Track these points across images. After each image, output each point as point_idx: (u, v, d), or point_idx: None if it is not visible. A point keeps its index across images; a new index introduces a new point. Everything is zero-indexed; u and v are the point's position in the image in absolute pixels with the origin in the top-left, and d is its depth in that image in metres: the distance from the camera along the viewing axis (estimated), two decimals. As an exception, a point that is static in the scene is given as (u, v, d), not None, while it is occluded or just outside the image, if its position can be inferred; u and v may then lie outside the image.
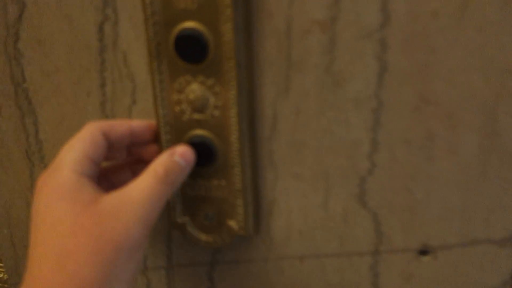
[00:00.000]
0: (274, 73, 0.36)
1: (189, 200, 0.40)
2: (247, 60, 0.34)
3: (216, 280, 0.45)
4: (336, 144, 0.37)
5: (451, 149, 0.35)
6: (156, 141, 0.38)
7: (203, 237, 0.41)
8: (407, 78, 0.33)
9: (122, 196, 0.31)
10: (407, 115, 0.35)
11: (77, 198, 0.31)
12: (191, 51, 0.34)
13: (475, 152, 0.35)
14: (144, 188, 0.32)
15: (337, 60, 0.34)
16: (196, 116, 0.36)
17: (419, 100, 0.34)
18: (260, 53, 0.35)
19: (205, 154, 0.37)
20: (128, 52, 0.38)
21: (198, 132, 0.37)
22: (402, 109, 0.34)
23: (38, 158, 0.44)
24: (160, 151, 0.38)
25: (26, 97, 0.42)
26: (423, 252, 0.39)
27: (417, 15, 0.32)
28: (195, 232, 0.41)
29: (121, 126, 0.36)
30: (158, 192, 0.32)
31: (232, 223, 0.39)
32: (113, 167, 0.38)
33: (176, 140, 0.37)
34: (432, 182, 0.36)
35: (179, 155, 0.35)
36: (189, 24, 0.33)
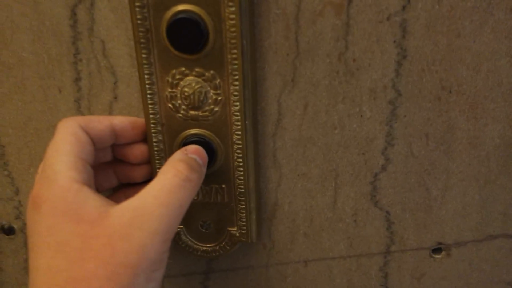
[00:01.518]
0: (279, 63, 0.32)
1: (184, 207, 0.35)
2: (251, 48, 0.30)
3: (210, 290, 0.41)
4: (348, 139, 0.34)
5: (472, 142, 0.32)
6: (144, 141, 0.33)
7: (200, 246, 0.36)
8: (428, 65, 0.30)
9: (135, 208, 0.26)
10: (426, 106, 0.32)
11: (82, 214, 0.26)
12: (187, 39, 0.29)
13: (497, 145, 0.32)
14: (161, 194, 0.26)
15: (351, 47, 0.31)
16: (193, 113, 0.32)
17: (440, 89, 0.31)
18: (265, 40, 0.31)
19: (203, 156, 0.32)
20: (107, 40, 0.33)
21: (195, 131, 0.32)
22: (422, 100, 0.32)
23: (0, 164, 0.38)
24: (149, 152, 0.33)
25: (-19, 95, 0.36)
26: (436, 250, 0.37)
27: (442, -5, 0.29)
28: (191, 241, 0.36)
29: (100, 122, 0.31)
30: (180, 196, 0.27)
31: (233, 230, 0.35)
32: (95, 170, 0.33)
33: (168, 141, 0.33)
34: (450, 178, 0.34)
35: (192, 152, 0.30)
36: (185, 6, 0.28)
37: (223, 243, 0.36)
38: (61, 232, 0.25)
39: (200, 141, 0.32)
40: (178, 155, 0.29)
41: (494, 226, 0.35)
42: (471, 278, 0.37)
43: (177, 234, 0.36)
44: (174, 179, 0.27)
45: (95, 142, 0.30)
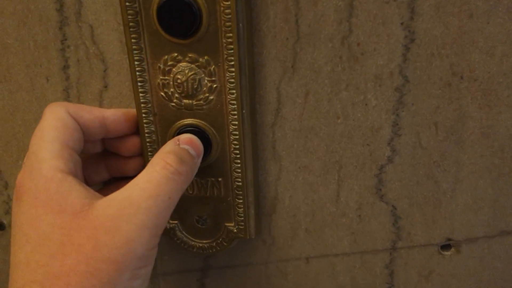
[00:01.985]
0: (279, 48, 0.30)
1: (179, 202, 0.33)
2: (248, 32, 0.28)
3: (208, 287, 0.39)
4: (351, 129, 0.32)
5: (484, 132, 0.30)
6: (136, 133, 0.32)
7: (196, 243, 0.35)
8: (438, 49, 0.28)
9: (121, 200, 0.24)
10: (436, 94, 0.30)
11: (65, 206, 0.24)
12: (179, 22, 0.27)
13: (511, 134, 0.30)
14: (147, 188, 0.25)
15: (355, 30, 0.29)
16: (186, 102, 0.30)
17: (450, 75, 0.29)
18: (262, 23, 0.29)
19: (197, 147, 0.30)
20: (95, 25, 0.31)
21: (189, 121, 0.30)
22: (431, 87, 0.30)
23: (-13, 157, 0.36)
24: (141, 144, 0.32)
25: (-33, 84, 0.34)
26: (445, 246, 0.35)
27: (454, -27, 0.27)
28: (186, 237, 0.35)
29: (91, 112, 0.29)
30: (168, 188, 0.25)
31: (231, 226, 0.34)
32: (84, 162, 0.31)
33: (161, 131, 0.31)
34: (460, 170, 0.32)
35: (185, 142, 0.28)
36: (176, -13, 0.26)
37: (220, 239, 0.34)
38: (42, 224, 0.24)
39: (194, 130, 0.30)
40: (169, 145, 0.28)
41: (507, 221, 0.33)
42: (482, 276, 0.35)
43: (172, 230, 0.34)
44: (163, 171, 0.26)
45: (84, 132, 0.29)
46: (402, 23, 0.28)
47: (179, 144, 0.28)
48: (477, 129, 0.30)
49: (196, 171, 0.29)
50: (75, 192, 0.25)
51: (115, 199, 0.25)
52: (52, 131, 0.26)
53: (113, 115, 0.30)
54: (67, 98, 0.33)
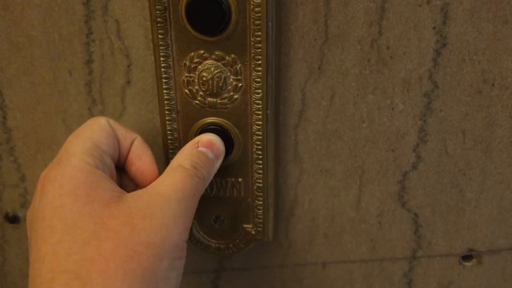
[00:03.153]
0: (306, 49, 0.29)
1: (197, 201, 0.33)
2: (277, 32, 0.28)
3: (222, 289, 0.39)
4: (376, 134, 0.31)
5: (514, 140, 0.30)
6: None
7: (212, 243, 0.34)
8: (470, 55, 0.28)
9: (150, 194, 0.24)
10: (465, 100, 0.29)
11: (93, 195, 0.23)
12: (207, 19, 0.27)
13: (542, 144, 0.30)
14: (173, 183, 0.25)
15: (385, 33, 0.28)
16: (210, 100, 0.29)
17: (481, 82, 0.28)
18: (291, 23, 0.29)
19: (220, 146, 0.30)
20: (121, 20, 0.31)
21: (212, 119, 0.30)
22: (460, 93, 0.29)
23: (6, 149, 0.36)
24: (162, 147, 0.31)
25: (-11, 76, 0.34)
26: (467, 257, 0.34)
27: (490, -23, 0.26)
28: (203, 237, 0.34)
29: (127, 130, 0.28)
30: (190, 187, 0.25)
31: (249, 228, 0.33)
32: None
33: (183, 129, 0.31)
34: (486, 179, 0.31)
35: (204, 145, 0.28)
36: (206, -17, 0.26)
37: (237, 241, 0.34)
38: (69, 213, 0.23)
39: (217, 129, 0.30)
40: (186, 150, 0.28)
41: (532, 233, 0.32)
42: (503, 289, 0.35)
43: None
44: (182, 174, 0.26)
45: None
46: (434, 27, 0.27)
47: (198, 147, 0.28)
48: (506, 138, 0.30)
49: (215, 172, 0.29)
50: (104, 184, 0.24)
51: (143, 193, 0.24)
52: (88, 131, 0.26)
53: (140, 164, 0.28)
54: (89, 92, 0.33)
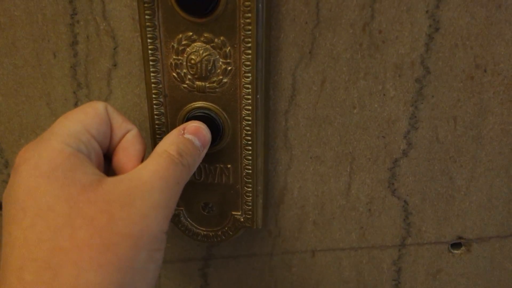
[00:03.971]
0: (297, 32, 0.29)
1: (185, 187, 0.32)
2: (267, 14, 0.27)
3: (210, 277, 0.39)
4: (367, 120, 0.31)
5: (505, 128, 0.29)
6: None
7: (201, 230, 0.34)
8: (463, 40, 0.27)
9: (132, 179, 0.23)
10: (457, 86, 0.29)
11: (72, 178, 0.22)
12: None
13: (533, 132, 0.29)
14: (157, 170, 0.24)
15: (378, 17, 0.28)
16: (199, 84, 0.29)
17: (474, 67, 0.28)
18: (282, 5, 0.28)
19: (208, 132, 0.29)
20: (107, 0, 0.30)
21: (200, 104, 0.29)
22: (452, 79, 0.29)
23: (-12, 134, 0.35)
24: (149, 132, 0.31)
25: (-30, 58, 0.33)
26: (456, 244, 0.34)
27: (484, -40, 0.26)
28: (191, 224, 0.34)
29: (124, 120, 0.27)
30: (174, 175, 0.24)
31: (238, 215, 0.33)
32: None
33: (170, 114, 0.30)
34: (477, 166, 0.31)
35: (190, 132, 0.27)
36: (195, -38, 0.25)
37: (226, 228, 0.33)
38: (44, 196, 0.21)
39: (204, 116, 0.29)
40: (172, 135, 0.26)
41: (521, 221, 0.32)
42: (492, 277, 0.35)
43: (177, 216, 0.33)
44: (166, 160, 0.24)
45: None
46: (427, 11, 0.27)
47: (184, 134, 0.27)
48: (497, 125, 0.29)
49: (200, 161, 0.28)
50: (84, 167, 0.23)
51: (125, 178, 0.23)
52: (80, 114, 0.25)
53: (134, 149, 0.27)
54: (74, 76, 0.32)
